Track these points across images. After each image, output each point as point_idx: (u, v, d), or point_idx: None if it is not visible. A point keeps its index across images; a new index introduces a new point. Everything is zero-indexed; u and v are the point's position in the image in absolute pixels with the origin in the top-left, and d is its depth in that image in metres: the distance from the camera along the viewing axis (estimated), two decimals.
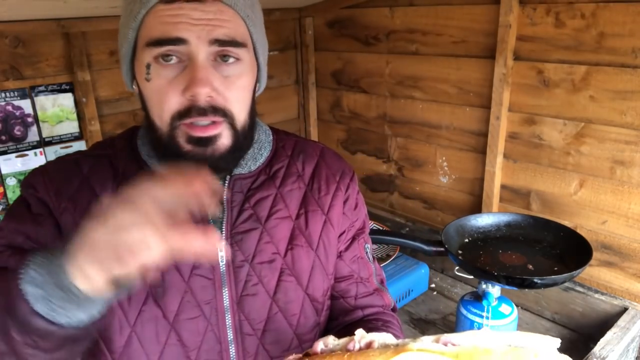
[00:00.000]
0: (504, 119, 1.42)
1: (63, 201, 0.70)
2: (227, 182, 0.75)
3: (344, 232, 0.84)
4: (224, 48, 0.64)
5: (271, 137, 0.83)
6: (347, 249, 0.85)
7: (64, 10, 1.27)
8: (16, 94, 1.34)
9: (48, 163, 0.76)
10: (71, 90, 1.42)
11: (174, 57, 0.63)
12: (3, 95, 1.31)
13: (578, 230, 1.27)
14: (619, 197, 1.27)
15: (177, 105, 0.64)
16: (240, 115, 0.68)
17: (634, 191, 1.24)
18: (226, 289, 0.73)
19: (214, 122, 0.65)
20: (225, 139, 0.67)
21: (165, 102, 0.64)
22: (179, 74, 0.63)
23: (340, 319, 0.85)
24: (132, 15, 0.64)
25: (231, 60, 0.65)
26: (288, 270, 0.76)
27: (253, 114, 0.73)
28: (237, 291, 0.73)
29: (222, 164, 0.69)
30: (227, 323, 0.73)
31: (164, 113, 0.65)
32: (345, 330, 0.83)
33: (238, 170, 0.76)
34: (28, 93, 1.36)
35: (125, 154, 0.75)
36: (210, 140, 0.66)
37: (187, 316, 0.71)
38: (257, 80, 0.74)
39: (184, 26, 0.62)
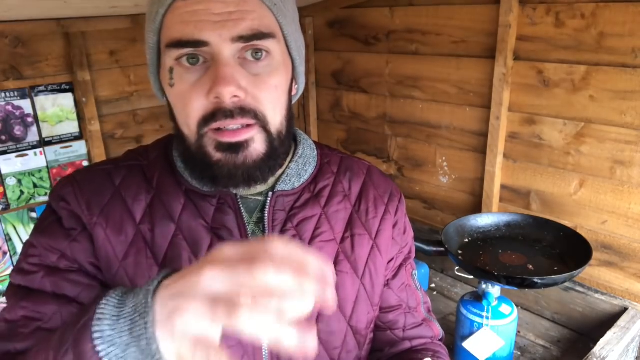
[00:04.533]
0: (504, 119, 1.42)
1: (95, 215, 0.65)
2: (268, 198, 0.69)
3: (392, 259, 0.79)
4: (250, 43, 0.58)
5: (316, 152, 0.77)
6: (394, 276, 0.80)
7: (64, 10, 1.27)
8: (16, 94, 1.34)
9: (77, 172, 0.69)
10: (71, 90, 1.43)
11: (199, 58, 0.59)
12: (3, 95, 1.31)
13: (578, 230, 1.27)
14: (619, 197, 1.27)
15: (202, 110, 0.59)
16: (275, 118, 0.62)
17: (634, 191, 1.24)
18: None
19: (244, 126, 0.59)
20: (258, 145, 0.61)
21: (190, 108, 0.59)
22: (202, 76, 0.58)
23: (387, 350, 0.80)
24: (152, 17, 0.61)
25: (262, 55, 0.60)
26: None
27: (290, 118, 0.67)
28: None
29: (257, 174, 0.62)
30: (264, 352, 0.67)
31: (189, 119, 0.60)
32: None
33: (281, 187, 0.70)
34: (28, 93, 1.36)
35: (160, 166, 0.69)
36: (241, 146, 0.60)
37: (225, 341, 0.65)
38: (294, 81, 0.68)
39: (204, 25, 0.56)
